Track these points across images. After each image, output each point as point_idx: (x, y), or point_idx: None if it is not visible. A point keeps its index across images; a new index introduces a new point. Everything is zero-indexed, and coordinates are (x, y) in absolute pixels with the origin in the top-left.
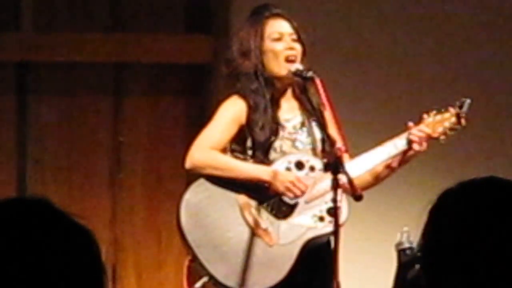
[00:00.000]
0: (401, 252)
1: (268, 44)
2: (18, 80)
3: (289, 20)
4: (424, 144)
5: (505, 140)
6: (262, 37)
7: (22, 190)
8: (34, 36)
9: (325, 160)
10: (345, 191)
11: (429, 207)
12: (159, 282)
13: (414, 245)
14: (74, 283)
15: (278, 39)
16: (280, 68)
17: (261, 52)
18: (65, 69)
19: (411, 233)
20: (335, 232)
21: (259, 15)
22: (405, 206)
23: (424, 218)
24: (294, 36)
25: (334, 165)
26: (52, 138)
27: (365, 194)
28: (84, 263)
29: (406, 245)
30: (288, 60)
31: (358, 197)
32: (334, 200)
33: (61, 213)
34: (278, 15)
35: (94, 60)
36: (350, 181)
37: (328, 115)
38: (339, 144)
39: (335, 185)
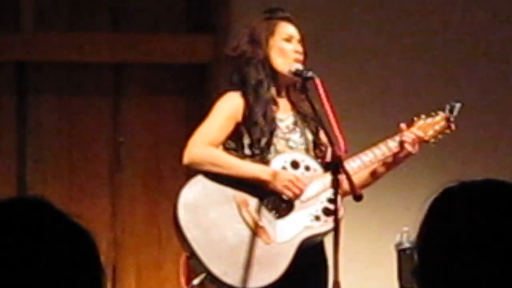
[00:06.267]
0: (401, 252)
1: (278, 41)
2: (18, 80)
3: (297, 26)
4: (416, 146)
5: (504, 140)
6: (273, 32)
7: (22, 190)
8: (34, 36)
9: (320, 160)
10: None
11: (428, 203)
12: (159, 282)
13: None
14: (72, 283)
15: (288, 40)
16: (285, 66)
17: (270, 46)
18: (65, 69)
19: (411, 233)
20: (335, 232)
21: (273, 14)
22: (405, 206)
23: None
24: (301, 43)
25: (334, 165)
26: (52, 138)
27: (365, 194)
28: (83, 264)
29: (406, 245)
30: (295, 62)
31: (358, 197)
32: (334, 200)
33: (60, 213)
34: (289, 20)
35: (94, 60)
36: (351, 181)
37: (327, 115)
38: (338, 144)
39: (335, 185)
